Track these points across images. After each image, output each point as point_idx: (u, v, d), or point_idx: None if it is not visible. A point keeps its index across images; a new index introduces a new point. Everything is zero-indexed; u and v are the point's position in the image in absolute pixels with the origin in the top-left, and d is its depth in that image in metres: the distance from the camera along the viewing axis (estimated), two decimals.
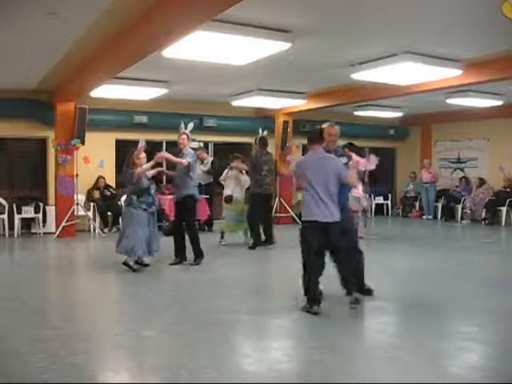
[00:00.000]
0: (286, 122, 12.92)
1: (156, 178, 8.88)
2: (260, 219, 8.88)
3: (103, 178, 11.42)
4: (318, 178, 4.87)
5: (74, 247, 9.47)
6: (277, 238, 9.04)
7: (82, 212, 10.73)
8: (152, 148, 12.86)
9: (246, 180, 9.06)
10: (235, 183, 9.09)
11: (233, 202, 8.99)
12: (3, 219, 10.45)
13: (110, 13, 5.82)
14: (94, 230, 10.94)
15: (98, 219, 11.09)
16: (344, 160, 5.19)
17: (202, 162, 10.82)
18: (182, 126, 7.51)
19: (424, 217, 14.17)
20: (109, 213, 11.22)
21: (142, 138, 11.74)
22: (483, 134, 13.70)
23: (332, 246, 4.85)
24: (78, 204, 10.57)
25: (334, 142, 5.32)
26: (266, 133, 9.43)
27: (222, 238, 9.23)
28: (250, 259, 8.14)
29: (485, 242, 9.54)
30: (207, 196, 10.78)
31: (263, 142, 9.26)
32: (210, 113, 12.40)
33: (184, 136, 7.31)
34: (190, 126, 7.53)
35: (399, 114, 14.38)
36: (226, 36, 6.09)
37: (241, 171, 9.14)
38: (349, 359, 3.77)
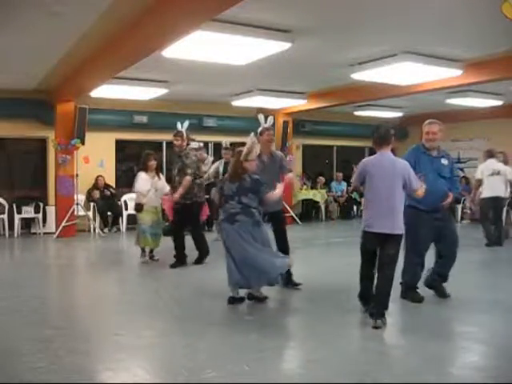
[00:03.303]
0: (286, 122, 12.93)
1: None
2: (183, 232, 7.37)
3: (102, 176, 11.43)
4: None
5: (74, 247, 9.47)
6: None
7: (82, 212, 10.73)
8: (154, 149, 13.03)
9: (163, 185, 7.60)
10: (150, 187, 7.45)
11: (148, 210, 7.44)
12: (3, 219, 10.45)
13: (110, 13, 5.83)
14: (94, 230, 10.94)
15: (98, 219, 11.09)
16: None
17: (203, 162, 10.69)
18: (264, 120, 6.00)
19: None
20: (109, 213, 11.22)
21: (142, 137, 11.98)
22: (483, 133, 13.70)
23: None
24: (78, 204, 10.58)
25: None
26: (186, 124, 7.30)
27: (144, 252, 7.57)
28: None
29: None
30: (207, 196, 10.73)
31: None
32: (210, 113, 12.40)
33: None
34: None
35: (399, 114, 14.38)
36: (226, 36, 6.09)
37: (157, 173, 7.61)
38: (349, 359, 3.77)
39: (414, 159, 5.00)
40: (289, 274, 5.71)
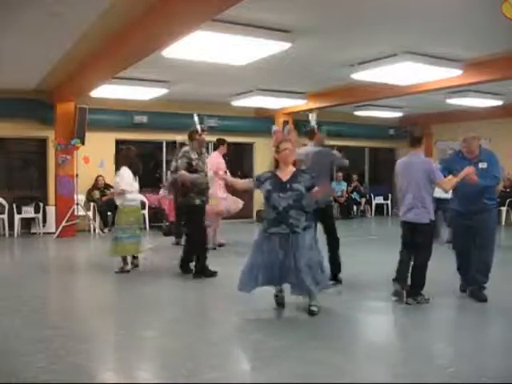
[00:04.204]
0: (285, 122, 12.92)
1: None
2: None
3: (102, 176, 11.43)
4: None
5: (74, 247, 9.46)
6: None
7: (82, 212, 10.73)
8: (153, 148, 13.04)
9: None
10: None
11: (123, 210, 6.73)
12: (3, 219, 10.45)
13: (110, 13, 5.83)
14: (94, 230, 10.94)
15: (97, 219, 11.09)
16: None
17: None
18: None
19: None
20: (109, 213, 11.21)
21: (142, 137, 11.99)
22: (483, 134, 13.65)
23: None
24: (78, 204, 10.58)
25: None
26: (197, 120, 6.69)
27: (127, 262, 6.83)
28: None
29: None
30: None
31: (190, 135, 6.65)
32: (210, 113, 12.39)
33: None
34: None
35: (399, 114, 14.38)
36: (226, 36, 6.10)
37: (130, 166, 6.81)
38: (349, 359, 3.77)
39: (450, 161, 5.45)
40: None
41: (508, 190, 12.66)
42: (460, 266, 5.53)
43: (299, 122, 13.49)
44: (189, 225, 6.61)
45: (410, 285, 5.13)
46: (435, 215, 9.36)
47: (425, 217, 5.00)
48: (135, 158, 6.93)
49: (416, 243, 5.09)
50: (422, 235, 5.05)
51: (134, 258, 6.96)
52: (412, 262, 5.14)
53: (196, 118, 6.57)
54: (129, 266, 6.79)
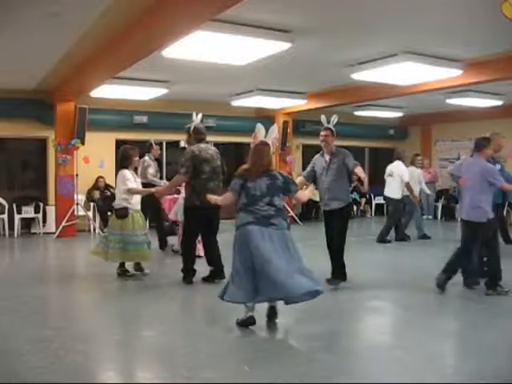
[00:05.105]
0: (285, 122, 12.93)
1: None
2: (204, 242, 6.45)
3: (102, 178, 11.42)
4: None
5: (74, 247, 9.47)
6: None
7: (82, 212, 10.73)
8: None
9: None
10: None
11: (129, 215, 6.39)
12: (3, 219, 10.46)
13: (110, 13, 5.83)
14: (94, 230, 10.94)
15: (98, 219, 11.09)
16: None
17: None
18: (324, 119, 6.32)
19: (424, 217, 14.16)
20: (109, 213, 11.20)
21: (142, 137, 11.98)
22: (483, 134, 13.67)
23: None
24: (78, 204, 10.58)
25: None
26: (199, 117, 6.40)
27: (128, 271, 6.57)
28: None
29: None
30: None
31: (198, 133, 6.27)
32: (210, 113, 12.39)
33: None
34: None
35: (399, 114, 14.38)
36: (226, 36, 6.09)
37: (135, 169, 6.69)
38: (349, 359, 3.77)
39: None
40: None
41: None
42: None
43: (300, 123, 13.62)
44: (213, 228, 6.30)
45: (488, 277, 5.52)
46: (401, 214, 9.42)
47: (480, 216, 5.31)
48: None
49: (482, 242, 5.49)
50: (481, 234, 5.37)
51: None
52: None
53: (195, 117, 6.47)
54: (118, 270, 6.56)
